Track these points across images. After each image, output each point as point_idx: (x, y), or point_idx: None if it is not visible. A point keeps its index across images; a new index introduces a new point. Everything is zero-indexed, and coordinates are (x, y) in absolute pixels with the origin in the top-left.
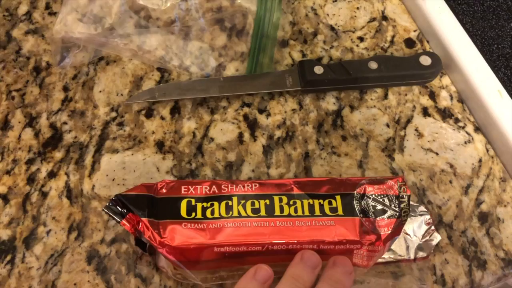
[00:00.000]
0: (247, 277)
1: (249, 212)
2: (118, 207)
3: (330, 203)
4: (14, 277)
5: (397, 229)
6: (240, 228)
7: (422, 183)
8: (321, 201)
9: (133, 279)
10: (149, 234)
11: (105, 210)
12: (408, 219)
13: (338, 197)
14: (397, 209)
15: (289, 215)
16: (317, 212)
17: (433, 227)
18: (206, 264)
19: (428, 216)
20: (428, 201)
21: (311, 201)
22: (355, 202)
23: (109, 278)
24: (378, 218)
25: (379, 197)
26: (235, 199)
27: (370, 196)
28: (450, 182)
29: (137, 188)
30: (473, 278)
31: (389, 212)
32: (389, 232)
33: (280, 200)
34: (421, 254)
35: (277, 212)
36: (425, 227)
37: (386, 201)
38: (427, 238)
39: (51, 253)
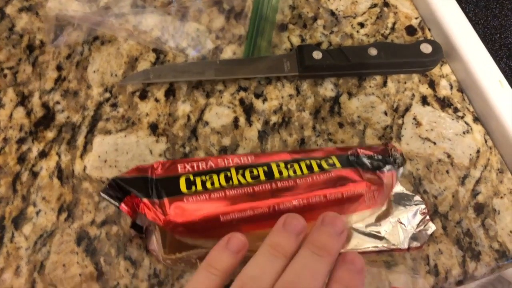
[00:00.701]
0: (219, 246)
1: (249, 179)
2: (115, 190)
3: (327, 161)
4: (2, 257)
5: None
6: (242, 195)
7: (419, 172)
8: (318, 160)
9: (122, 262)
10: (152, 214)
11: (103, 195)
12: (403, 208)
13: (334, 157)
14: (393, 163)
15: (289, 176)
16: (316, 169)
17: (428, 217)
18: (213, 236)
19: (423, 206)
20: (424, 190)
21: (308, 161)
22: (351, 159)
23: (98, 260)
24: (377, 171)
25: (373, 156)
26: (233, 170)
27: (365, 156)
28: (447, 172)
29: (131, 171)
30: (467, 269)
31: (386, 167)
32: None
33: (278, 165)
34: (415, 243)
35: (277, 175)
36: (420, 217)
37: (381, 159)
38: (422, 227)
39: (40, 234)
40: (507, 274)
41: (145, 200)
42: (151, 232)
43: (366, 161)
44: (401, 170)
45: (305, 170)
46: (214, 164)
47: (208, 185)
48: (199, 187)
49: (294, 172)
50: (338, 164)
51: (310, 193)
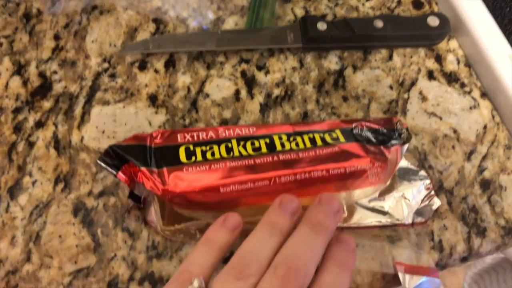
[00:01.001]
0: (216, 225)
1: (250, 151)
2: (112, 158)
3: (330, 134)
4: None
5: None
6: (243, 166)
7: (424, 147)
8: (321, 134)
9: (120, 233)
10: (151, 184)
11: (99, 162)
12: (408, 183)
13: (337, 130)
14: (398, 138)
15: (291, 149)
16: (319, 143)
17: (433, 192)
18: (212, 208)
19: (428, 181)
20: (429, 165)
21: (311, 135)
22: (355, 132)
23: (95, 231)
24: (381, 146)
25: (378, 130)
26: (234, 141)
27: (369, 130)
28: (453, 147)
29: (129, 139)
30: (472, 245)
31: (392, 142)
32: (397, 155)
33: (280, 138)
34: (419, 219)
35: (279, 148)
36: (424, 192)
37: (386, 132)
38: (426, 203)
39: (36, 204)
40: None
41: (143, 168)
42: (149, 203)
43: (371, 135)
44: (406, 146)
45: (308, 144)
46: (215, 135)
47: (209, 155)
48: (199, 157)
49: (297, 145)
50: (342, 138)
51: (312, 167)
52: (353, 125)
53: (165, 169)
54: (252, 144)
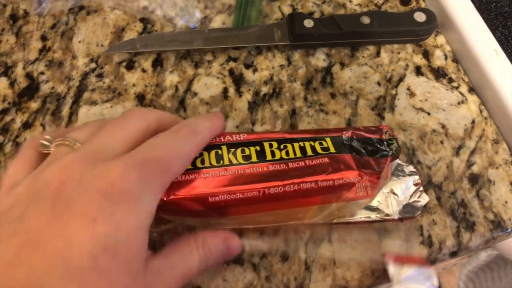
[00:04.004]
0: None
1: (240, 159)
2: None
3: (321, 143)
4: None
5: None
6: (233, 176)
7: (412, 143)
8: (311, 142)
9: None
10: None
11: None
12: (397, 178)
13: (328, 139)
14: (387, 149)
15: (281, 159)
16: (309, 152)
17: (421, 188)
18: (200, 216)
19: (417, 177)
20: (417, 161)
21: (301, 143)
22: (345, 142)
23: None
24: (371, 158)
25: (368, 140)
26: (224, 147)
27: (359, 139)
28: (441, 142)
29: None
30: (461, 240)
31: (381, 153)
32: (386, 165)
33: (271, 146)
34: (408, 214)
35: (269, 157)
36: (413, 188)
37: (376, 143)
38: (415, 198)
39: None
40: (506, 251)
41: None
42: None
43: (361, 145)
44: (396, 161)
45: (298, 153)
46: None
47: (198, 163)
48: (189, 165)
49: (287, 154)
50: (332, 149)
51: (301, 179)
52: (344, 134)
53: None
54: (243, 151)
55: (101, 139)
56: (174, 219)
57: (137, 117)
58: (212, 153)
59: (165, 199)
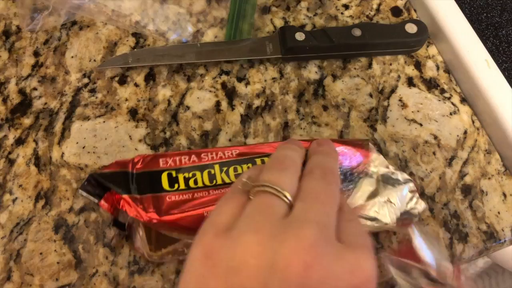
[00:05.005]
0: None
1: (233, 178)
2: (93, 187)
3: None
4: None
5: None
6: None
7: (405, 154)
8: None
9: (101, 249)
10: (134, 211)
11: (80, 191)
12: (392, 187)
13: None
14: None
15: None
16: None
17: (417, 195)
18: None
19: (412, 184)
20: (410, 172)
21: None
22: None
23: (76, 248)
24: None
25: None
26: (217, 167)
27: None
28: (434, 153)
29: (110, 166)
30: (454, 251)
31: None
32: None
33: (263, 162)
34: (406, 221)
35: None
36: (409, 195)
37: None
38: (412, 205)
39: (17, 222)
40: (501, 261)
41: (125, 196)
42: (134, 229)
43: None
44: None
45: None
46: (197, 159)
47: (191, 183)
48: (182, 185)
49: None
50: None
51: None
52: None
53: (148, 196)
54: (235, 170)
55: (315, 206)
56: (175, 235)
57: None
58: (205, 173)
59: (162, 219)
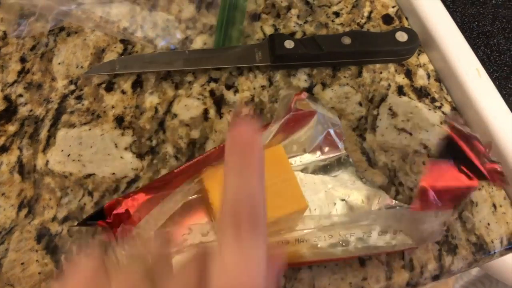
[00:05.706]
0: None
1: None
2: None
3: None
4: None
5: None
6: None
7: (394, 164)
8: None
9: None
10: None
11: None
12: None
13: None
14: None
15: None
16: None
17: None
18: None
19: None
20: (399, 182)
21: None
22: None
23: (59, 258)
24: None
25: None
26: None
27: None
28: (424, 163)
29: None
30: (443, 263)
31: None
32: None
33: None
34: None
35: None
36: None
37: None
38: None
39: None
40: (494, 271)
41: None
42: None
43: None
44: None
45: None
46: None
47: None
48: None
49: None
50: None
51: None
52: None
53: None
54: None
55: None
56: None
57: None
58: None
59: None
